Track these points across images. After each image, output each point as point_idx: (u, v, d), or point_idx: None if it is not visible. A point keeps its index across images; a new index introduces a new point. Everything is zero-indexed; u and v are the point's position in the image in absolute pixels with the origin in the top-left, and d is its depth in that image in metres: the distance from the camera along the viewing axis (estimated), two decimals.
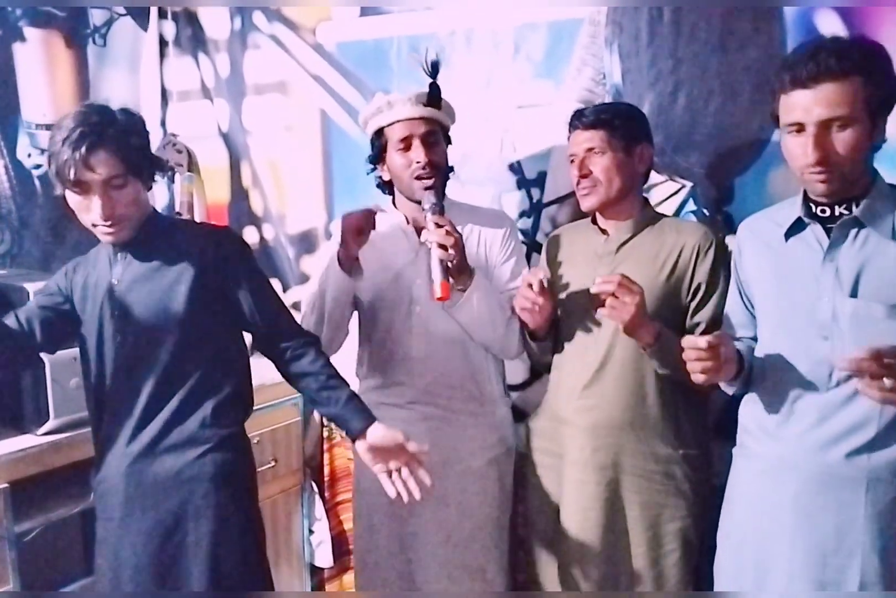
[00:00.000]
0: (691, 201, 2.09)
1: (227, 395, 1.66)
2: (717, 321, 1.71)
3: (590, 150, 1.76)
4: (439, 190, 1.85)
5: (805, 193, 1.46)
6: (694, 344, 1.40)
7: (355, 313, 1.98)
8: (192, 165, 2.72)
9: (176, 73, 2.80)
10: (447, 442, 1.88)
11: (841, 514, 1.41)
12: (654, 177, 2.11)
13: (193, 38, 2.76)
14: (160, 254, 1.64)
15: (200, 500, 1.61)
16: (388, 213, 1.96)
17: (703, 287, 1.73)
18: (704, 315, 1.74)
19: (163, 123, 2.83)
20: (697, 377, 1.44)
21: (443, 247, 1.69)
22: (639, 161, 1.79)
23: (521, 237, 2.00)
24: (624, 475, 1.75)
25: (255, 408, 2.25)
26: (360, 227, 1.77)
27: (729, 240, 1.79)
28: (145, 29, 2.79)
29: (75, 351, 1.95)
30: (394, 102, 1.85)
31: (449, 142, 1.93)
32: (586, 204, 1.80)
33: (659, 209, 2.01)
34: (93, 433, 1.71)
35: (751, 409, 1.56)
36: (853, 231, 1.41)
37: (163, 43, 2.79)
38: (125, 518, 1.62)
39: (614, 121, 1.75)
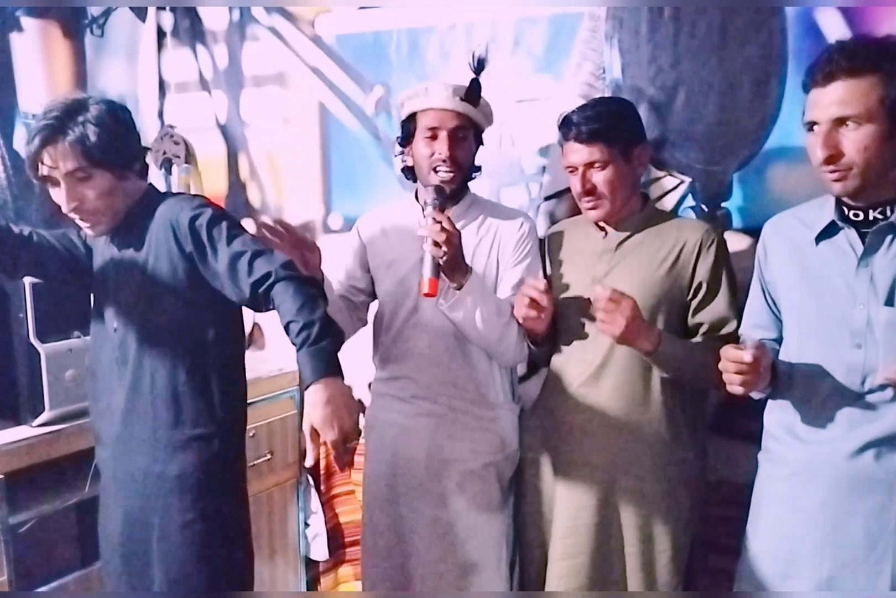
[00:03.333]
0: (690, 197, 2.09)
1: (201, 394, 1.61)
2: (722, 322, 1.69)
3: (590, 164, 1.71)
4: (450, 187, 1.82)
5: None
6: (738, 358, 1.37)
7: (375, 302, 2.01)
8: (190, 157, 2.71)
9: (174, 64, 2.78)
10: (446, 440, 1.87)
11: (871, 519, 1.38)
12: (654, 172, 2.11)
13: (192, 29, 2.75)
14: (143, 235, 1.61)
15: (165, 500, 1.60)
16: (411, 204, 1.95)
17: (704, 286, 1.71)
18: (707, 316, 1.72)
19: (160, 115, 2.81)
20: (736, 389, 1.41)
21: (435, 243, 1.68)
22: (638, 164, 1.75)
23: (538, 239, 1.94)
24: (619, 475, 1.75)
25: (251, 401, 2.25)
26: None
27: (728, 236, 1.79)
28: (143, 20, 2.78)
29: (70, 343, 1.96)
30: (432, 88, 1.83)
31: (481, 143, 1.91)
32: (593, 217, 1.77)
33: (658, 205, 2.01)
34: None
35: (778, 415, 1.52)
36: (889, 237, 1.37)
37: (161, 34, 2.78)
38: (105, 503, 1.68)
39: (610, 131, 1.69)
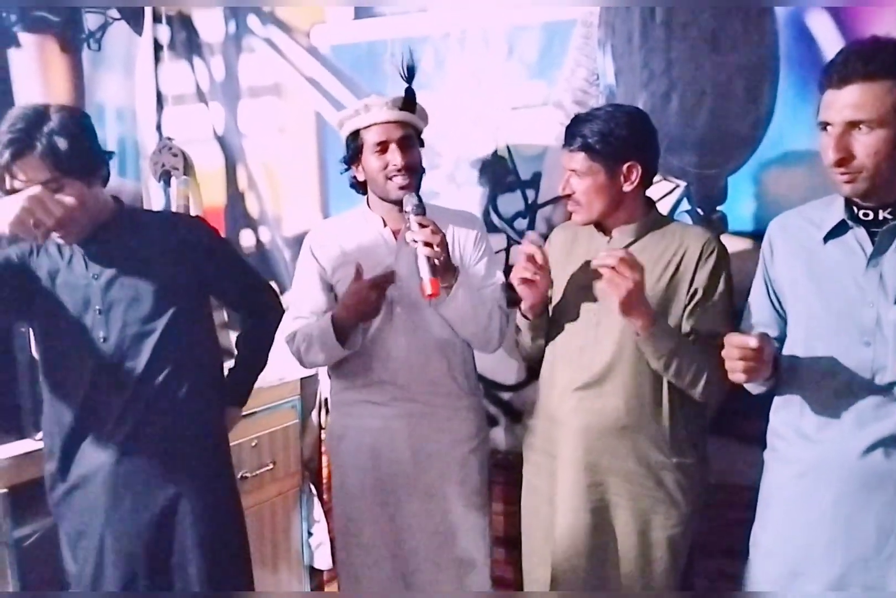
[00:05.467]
0: (685, 201, 2.10)
1: (202, 387, 1.72)
2: (711, 332, 1.66)
3: (573, 170, 1.73)
4: (410, 191, 1.86)
5: None
6: (743, 343, 1.36)
7: None
8: (188, 169, 2.73)
9: (171, 76, 2.80)
10: (429, 436, 1.94)
11: (883, 515, 1.37)
12: None
13: (188, 41, 2.77)
14: (132, 249, 1.65)
15: (187, 496, 1.67)
16: (365, 215, 1.98)
17: (699, 293, 1.70)
18: (696, 324, 1.70)
19: (158, 127, 2.83)
20: (738, 377, 1.40)
21: (428, 245, 1.72)
22: (625, 181, 1.72)
23: (489, 238, 2.03)
24: (614, 478, 1.74)
25: (253, 411, 2.26)
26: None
27: (724, 239, 1.79)
28: (140, 33, 2.80)
29: None
30: (371, 105, 1.87)
31: (422, 144, 1.95)
32: (574, 220, 1.80)
33: None
34: (50, 427, 1.69)
35: (784, 414, 1.52)
36: None
37: (157, 47, 2.80)
38: (112, 511, 1.65)
39: (596, 145, 1.68)
